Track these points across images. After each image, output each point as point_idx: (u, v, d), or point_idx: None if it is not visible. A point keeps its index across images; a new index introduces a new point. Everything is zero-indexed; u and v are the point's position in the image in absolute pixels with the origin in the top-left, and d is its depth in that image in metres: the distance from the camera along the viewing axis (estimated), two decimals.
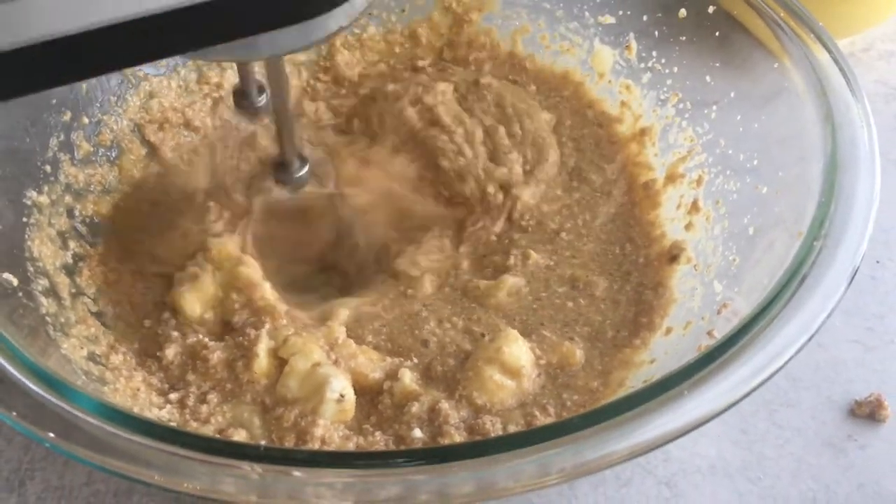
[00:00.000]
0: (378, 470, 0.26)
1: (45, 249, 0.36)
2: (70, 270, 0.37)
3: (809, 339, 0.28)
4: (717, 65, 0.42)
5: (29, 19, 0.22)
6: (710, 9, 0.41)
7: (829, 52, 0.37)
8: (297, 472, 0.25)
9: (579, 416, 0.28)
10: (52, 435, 0.26)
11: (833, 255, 0.30)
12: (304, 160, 0.39)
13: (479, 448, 0.28)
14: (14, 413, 0.27)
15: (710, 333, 0.33)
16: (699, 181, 0.42)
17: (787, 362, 0.28)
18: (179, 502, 0.36)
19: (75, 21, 0.23)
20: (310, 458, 0.26)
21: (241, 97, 0.37)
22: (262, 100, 0.37)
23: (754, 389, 0.28)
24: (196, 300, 0.38)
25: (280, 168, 0.40)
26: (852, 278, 0.29)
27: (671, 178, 0.44)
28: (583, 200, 0.45)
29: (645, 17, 0.45)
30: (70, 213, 0.39)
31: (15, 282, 0.33)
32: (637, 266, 0.42)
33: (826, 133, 0.34)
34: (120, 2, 0.23)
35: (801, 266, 0.30)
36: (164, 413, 0.33)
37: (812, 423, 0.38)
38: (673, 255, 0.41)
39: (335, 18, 0.28)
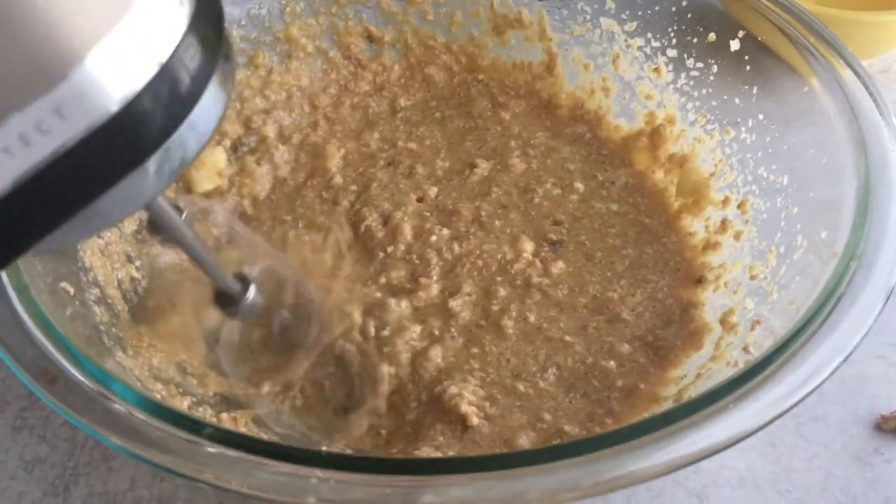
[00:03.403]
0: (414, 478, 0.27)
1: (95, 260, 0.37)
2: (120, 283, 0.38)
3: (845, 358, 0.29)
4: (746, 87, 0.43)
5: None
6: (740, 33, 0.43)
7: (858, 75, 0.38)
8: (358, 477, 0.26)
9: (616, 431, 0.28)
10: (111, 433, 0.27)
11: (867, 275, 0.31)
12: (245, 281, 0.32)
13: (515, 459, 0.28)
14: (73, 410, 0.28)
15: (745, 349, 0.34)
16: (726, 202, 0.43)
17: (823, 381, 0.29)
18: None
19: None
20: (368, 465, 0.27)
21: (155, 227, 0.30)
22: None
23: (791, 408, 0.29)
24: None
25: (224, 300, 0.32)
26: (887, 299, 0.30)
27: (699, 199, 0.45)
28: (609, 222, 0.46)
29: (675, 41, 0.46)
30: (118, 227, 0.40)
31: (72, 290, 0.34)
32: (665, 286, 0.42)
33: (857, 155, 0.35)
34: None
35: (838, 286, 0.30)
36: None
37: (839, 437, 0.39)
38: (699, 277, 0.42)
39: (188, 143, 0.21)
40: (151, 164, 0.20)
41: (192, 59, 0.20)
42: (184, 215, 0.28)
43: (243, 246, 0.41)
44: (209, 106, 0.21)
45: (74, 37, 0.18)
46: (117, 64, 0.18)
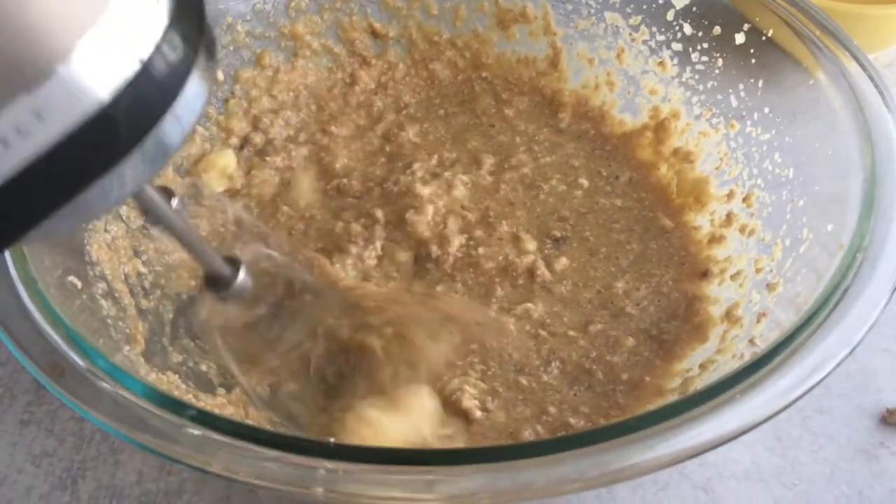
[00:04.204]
0: (421, 468, 0.27)
1: (102, 255, 0.37)
2: (127, 277, 0.38)
3: (851, 351, 0.29)
4: (752, 80, 0.43)
5: None
6: (745, 26, 0.43)
7: (864, 68, 0.38)
8: (363, 468, 0.26)
9: (621, 423, 0.28)
10: (120, 424, 0.27)
11: (873, 268, 0.31)
12: (235, 263, 0.32)
13: (522, 450, 0.28)
14: (82, 402, 0.28)
15: (752, 341, 0.34)
16: (731, 195, 0.43)
17: (829, 373, 0.29)
18: (230, 500, 0.37)
19: None
20: (376, 456, 0.27)
21: (148, 216, 0.29)
22: (174, 203, 0.29)
23: (797, 400, 0.29)
24: None
25: (214, 284, 0.32)
26: (893, 291, 0.30)
27: (700, 196, 0.45)
28: (614, 217, 0.46)
29: (679, 35, 0.46)
30: (124, 220, 0.40)
31: (79, 284, 0.34)
32: (670, 279, 0.43)
33: (863, 147, 0.35)
34: None
35: (844, 278, 0.30)
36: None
37: (845, 430, 0.39)
38: (705, 271, 0.42)
39: (170, 134, 0.21)
40: (135, 156, 0.21)
41: (174, 53, 0.21)
42: (174, 200, 0.28)
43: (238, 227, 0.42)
44: (192, 98, 0.22)
45: (54, 38, 0.18)
46: (98, 62, 0.19)
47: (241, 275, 0.32)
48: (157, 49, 0.20)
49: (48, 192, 0.20)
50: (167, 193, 0.28)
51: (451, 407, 0.37)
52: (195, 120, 0.22)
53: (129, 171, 0.21)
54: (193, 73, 0.22)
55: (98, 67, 0.19)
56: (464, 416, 0.37)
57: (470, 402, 0.37)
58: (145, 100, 0.20)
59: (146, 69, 0.20)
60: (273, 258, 0.40)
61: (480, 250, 0.44)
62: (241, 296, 0.32)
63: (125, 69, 0.20)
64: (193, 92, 0.22)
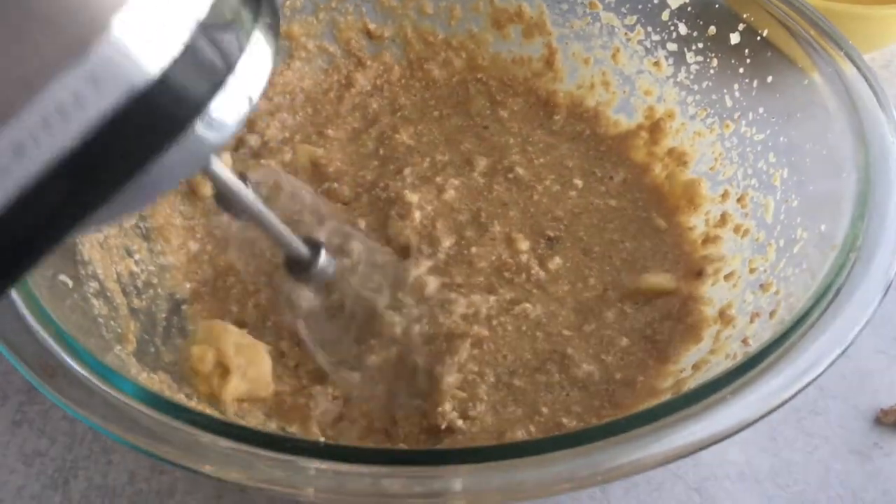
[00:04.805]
0: (411, 468, 0.27)
1: (94, 254, 0.37)
2: (119, 276, 0.38)
3: (844, 350, 0.29)
4: (747, 81, 0.43)
5: None
6: (741, 26, 0.43)
7: (859, 68, 0.38)
8: (355, 468, 0.26)
9: (614, 422, 0.28)
10: (111, 425, 0.27)
11: (866, 268, 0.31)
12: (315, 246, 0.31)
13: (514, 450, 0.28)
14: (73, 403, 0.28)
15: (744, 341, 0.34)
16: (725, 195, 0.43)
17: (822, 372, 0.29)
18: (222, 500, 0.37)
19: None
20: (366, 456, 0.27)
21: (221, 199, 0.29)
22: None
23: (790, 399, 0.29)
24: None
25: (294, 265, 0.32)
26: (886, 291, 0.30)
27: (693, 197, 0.45)
28: (608, 217, 0.46)
29: (675, 35, 0.46)
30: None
31: (70, 283, 0.34)
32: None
33: (857, 148, 0.35)
34: None
35: (837, 278, 0.31)
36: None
37: (839, 431, 0.39)
38: (699, 271, 0.42)
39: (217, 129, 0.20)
40: (197, 127, 0.19)
41: (231, 14, 0.20)
42: (248, 184, 0.28)
43: (311, 211, 0.41)
44: (256, 61, 0.21)
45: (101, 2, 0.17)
46: (153, 23, 0.18)
47: (323, 256, 0.31)
48: (214, 9, 0.19)
49: (110, 169, 0.18)
50: (241, 178, 0.27)
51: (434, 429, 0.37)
52: (263, 84, 0.21)
53: (194, 142, 0.19)
54: (255, 34, 0.20)
55: (153, 29, 0.18)
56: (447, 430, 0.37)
57: (451, 414, 0.37)
58: (203, 68, 0.19)
59: (202, 33, 0.19)
60: (356, 237, 0.39)
61: (473, 250, 0.43)
62: (324, 277, 0.31)
63: (180, 35, 0.18)
64: (257, 55, 0.20)
